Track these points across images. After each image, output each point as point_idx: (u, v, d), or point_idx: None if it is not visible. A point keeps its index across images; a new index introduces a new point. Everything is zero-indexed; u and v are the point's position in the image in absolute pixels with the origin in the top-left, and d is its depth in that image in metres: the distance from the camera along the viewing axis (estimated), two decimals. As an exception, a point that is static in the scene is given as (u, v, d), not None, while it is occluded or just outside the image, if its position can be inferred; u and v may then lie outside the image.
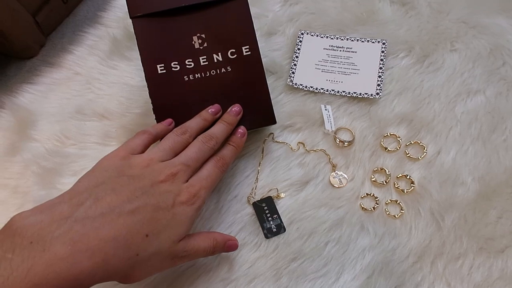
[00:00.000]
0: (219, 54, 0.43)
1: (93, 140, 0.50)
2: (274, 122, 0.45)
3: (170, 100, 0.43)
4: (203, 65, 0.43)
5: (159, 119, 0.43)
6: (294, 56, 0.54)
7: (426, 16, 0.57)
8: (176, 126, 0.42)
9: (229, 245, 0.38)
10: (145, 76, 0.44)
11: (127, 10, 0.44)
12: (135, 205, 0.32)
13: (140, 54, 0.43)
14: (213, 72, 0.43)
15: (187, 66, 0.43)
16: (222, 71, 0.43)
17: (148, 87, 0.43)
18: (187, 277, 0.40)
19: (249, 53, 0.43)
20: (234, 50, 0.43)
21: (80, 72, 0.56)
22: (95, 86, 0.55)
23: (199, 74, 0.43)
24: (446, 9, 0.57)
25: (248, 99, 0.44)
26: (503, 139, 0.46)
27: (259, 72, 0.44)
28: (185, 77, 0.43)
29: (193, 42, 0.43)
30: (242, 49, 0.43)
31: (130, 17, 0.44)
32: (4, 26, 0.53)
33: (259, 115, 0.44)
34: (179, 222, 0.34)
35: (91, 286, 0.29)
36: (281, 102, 0.51)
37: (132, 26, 0.44)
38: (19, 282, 0.26)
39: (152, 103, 0.43)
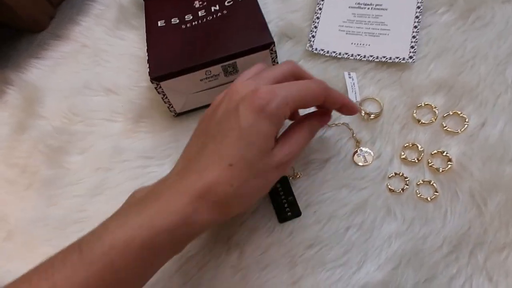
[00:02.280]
0: (217, 5, 0.45)
1: (101, 117, 0.47)
2: (270, 39, 0.40)
3: (167, 48, 0.42)
4: (201, 16, 0.44)
5: (153, 67, 0.40)
6: (315, 17, 0.48)
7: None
8: (171, 75, 0.40)
9: (324, 121, 0.37)
10: (146, 31, 0.44)
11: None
12: (206, 144, 0.30)
13: (145, 16, 0.46)
14: (209, 18, 0.43)
15: (186, 19, 0.44)
16: (219, 15, 0.43)
17: (146, 40, 0.43)
18: (195, 263, 0.38)
19: None
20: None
21: (88, 44, 0.53)
22: (103, 58, 0.52)
23: (196, 22, 0.44)
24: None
25: (242, 25, 0.42)
26: None
27: (254, 5, 0.43)
28: (182, 26, 0.44)
29: (194, 4, 0.45)
30: None
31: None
32: (9, -1, 0.51)
33: (253, 34, 0.41)
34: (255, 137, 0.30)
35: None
36: (300, 70, 0.45)
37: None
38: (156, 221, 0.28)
39: (147, 51, 0.42)
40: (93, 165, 0.45)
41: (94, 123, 0.47)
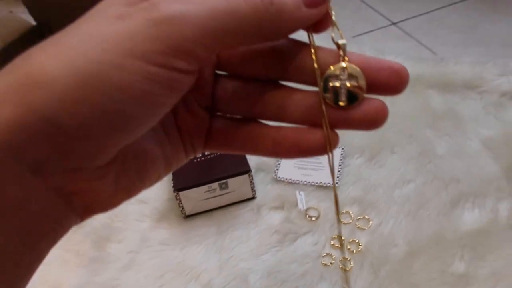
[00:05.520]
0: None
1: (134, 218, 0.70)
2: (248, 168, 0.65)
3: (185, 171, 0.67)
4: (206, 154, 0.68)
5: (176, 182, 0.64)
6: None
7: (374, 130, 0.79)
8: (187, 187, 0.63)
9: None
10: None
11: None
12: None
13: None
14: (211, 155, 0.67)
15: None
16: (217, 154, 0.67)
17: None
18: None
19: None
20: None
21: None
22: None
23: (203, 157, 0.67)
24: (390, 123, 0.79)
25: (230, 159, 0.66)
26: (427, 215, 0.64)
27: None
28: (194, 160, 0.67)
29: None
30: None
31: None
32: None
33: (238, 164, 0.66)
34: None
35: None
36: (268, 190, 0.71)
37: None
38: None
39: (172, 173, 0.65)
40: (126, 249, 0.65)
41: (128, 222, 0.70)
